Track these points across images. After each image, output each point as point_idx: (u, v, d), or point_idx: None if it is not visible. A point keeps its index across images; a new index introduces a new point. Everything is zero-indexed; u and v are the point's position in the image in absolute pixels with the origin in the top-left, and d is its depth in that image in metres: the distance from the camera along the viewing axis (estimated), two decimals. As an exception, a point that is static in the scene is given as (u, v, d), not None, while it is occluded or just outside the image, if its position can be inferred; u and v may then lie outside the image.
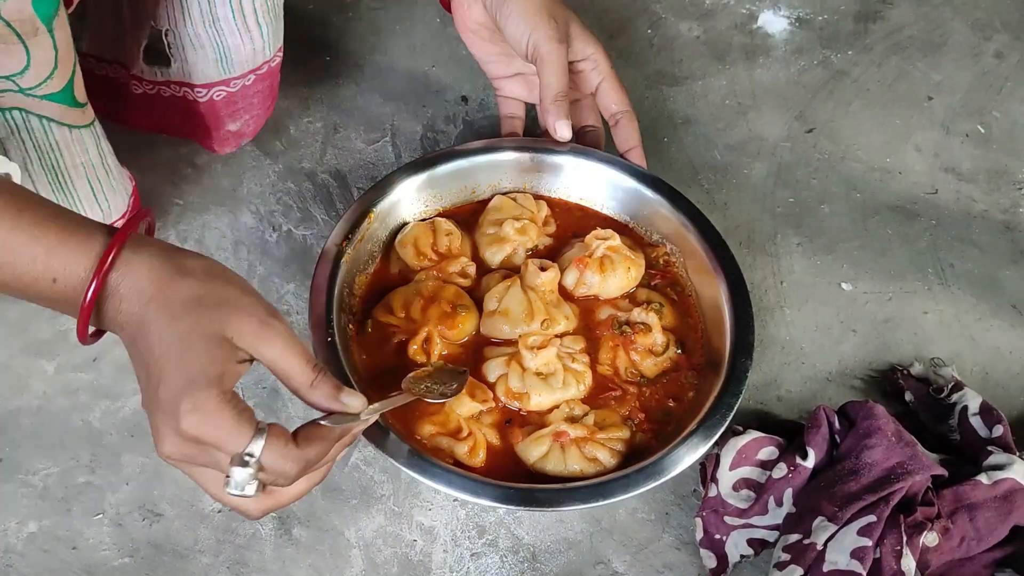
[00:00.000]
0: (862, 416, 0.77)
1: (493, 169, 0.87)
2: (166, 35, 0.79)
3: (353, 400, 0.59)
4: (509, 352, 0.76)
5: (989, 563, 0.74)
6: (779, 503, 0.75)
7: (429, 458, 0.69)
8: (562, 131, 0.84)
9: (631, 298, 0.82)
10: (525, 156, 0.87)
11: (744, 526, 0.76)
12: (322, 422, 0.58)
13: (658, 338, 0.78)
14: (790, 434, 0.80)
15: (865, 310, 0.92)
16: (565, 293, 0.82)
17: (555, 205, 0.88)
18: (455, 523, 0.77)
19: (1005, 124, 1.07)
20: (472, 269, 0.82)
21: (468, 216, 0.86)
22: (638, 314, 0.79)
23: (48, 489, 0.76)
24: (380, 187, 0.83)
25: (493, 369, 0.76)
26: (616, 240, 0.82)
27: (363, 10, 1.10)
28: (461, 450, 0.72)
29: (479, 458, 0.72)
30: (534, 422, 0.75)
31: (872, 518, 0.71)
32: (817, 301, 0.92)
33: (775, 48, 1.12)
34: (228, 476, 0.55)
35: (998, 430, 0.79)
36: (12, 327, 0.83)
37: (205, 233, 0.91)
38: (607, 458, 0.73)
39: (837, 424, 0.78)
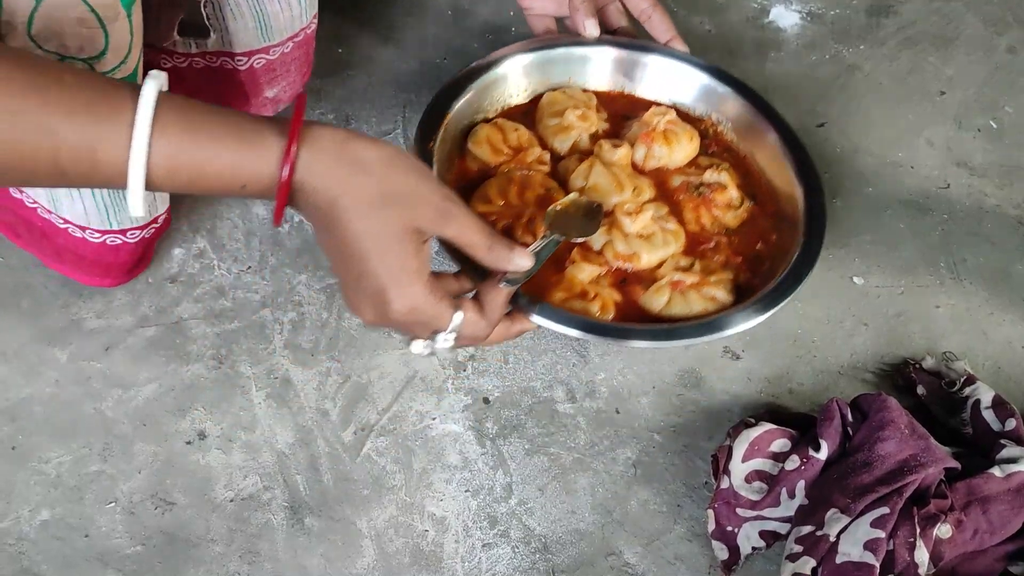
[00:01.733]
0: (875, 409, 0.77)
1: (544, 69, 0.91)
2: (205, 6, 0.79)
3: (524, 260, 0.66)
4: (606, 222, 0.81)
5: (1002, 556, 0.74)
6: (791, 495, 0.75)
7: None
8: (590, 29, 0.89)
9: (695, 165, 0.88)
10: (570, 51, 0.91)
11: (756, 518, 0.76)
12: (500, 285, 0.66)
13: (733, 193, 0.85)
14: (803, 427, 0.79)
15: (877, 304, 0.92)
16: (636, 168, 0.87)
17: (599, 96, 0.93)
18: (466, 513, 0.77)
19: (1017, 119, 1.06)
20: (547, 156, 0.86)
21: (519, 118, 0.89)
22: (711, 175, 0.85)
23: (60, 477, 0.76)
24: (449, 93, 0.85)
25: (595, 239, 0.81)
26: (673, 114, 0.89)
27: (375, 2, 1.10)
28: (593, 309, 0.77)
29: (610, 315, 0.77)
30: (647, 279, 0.81)
31: (885, 510, 0.71)
32: (829, 295, 0.92)
33: (787, 43, 1.12)
34: (430, 342, 0.65)
35: (1011, 424, 0.78)
36: (25, 315, 0.84)
37: (217, 223, 0.91)
38: (724, 295, 0.79)
39: (850, 417, 0.78)
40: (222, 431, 0.79)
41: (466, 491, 0.78)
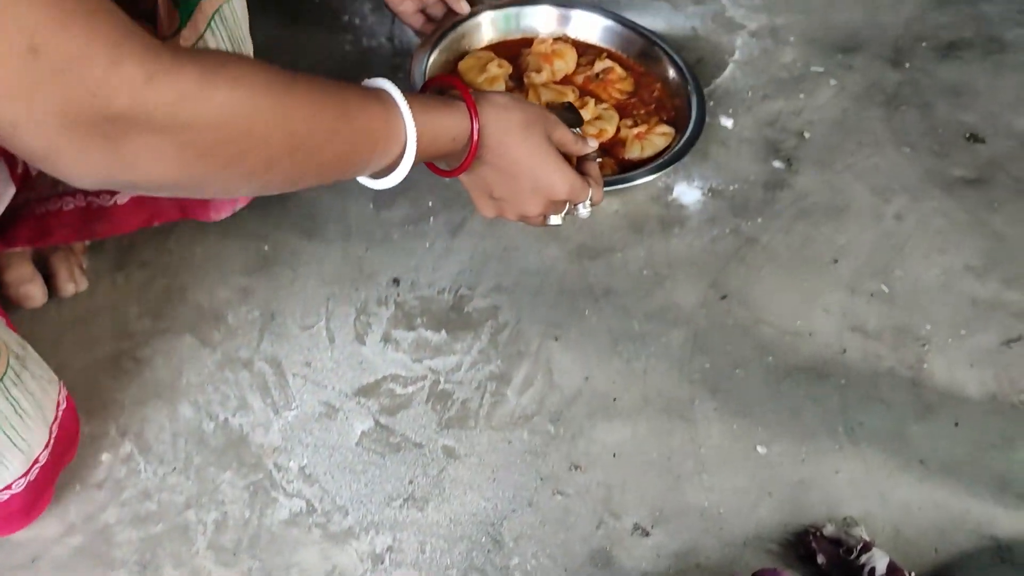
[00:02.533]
0: (770, 585, 0.81)
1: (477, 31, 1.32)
2: None
3: (594, 142, 0.96)
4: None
5: None
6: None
7: None
8: (463, 7, 1.25)
9: (579, 65, 1.28)
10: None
11: None
12: (591, 159, 0.96)
13: (619, 69, 1.27)
14: (705, 605, 0.83)
15: (780, 472, 0.96)
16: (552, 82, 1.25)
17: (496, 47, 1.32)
18: None
19: (907, 282, 1.13)
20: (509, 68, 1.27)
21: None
22: (599, 65, 1.26)
23: None
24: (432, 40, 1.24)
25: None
26: (550, 39, 1.29)
27: (300, 199, 1.17)
28: (607, 172, 1.17)
29: (614, 170, 1.18)
30: (618, 141, 1.21)
31: None
32: (734, 465, 0.96)
33: (689, 219, 1.19)
34: (575, 212, 0.94)
35: (903, 591, 0.82)
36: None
37: (144, 427, 0.95)
38: (666, 128, 1.21)
39: (747, 594, 0.81)
40: (143, 639, 0.81)
41: None
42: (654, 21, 1.43)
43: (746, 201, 1.21)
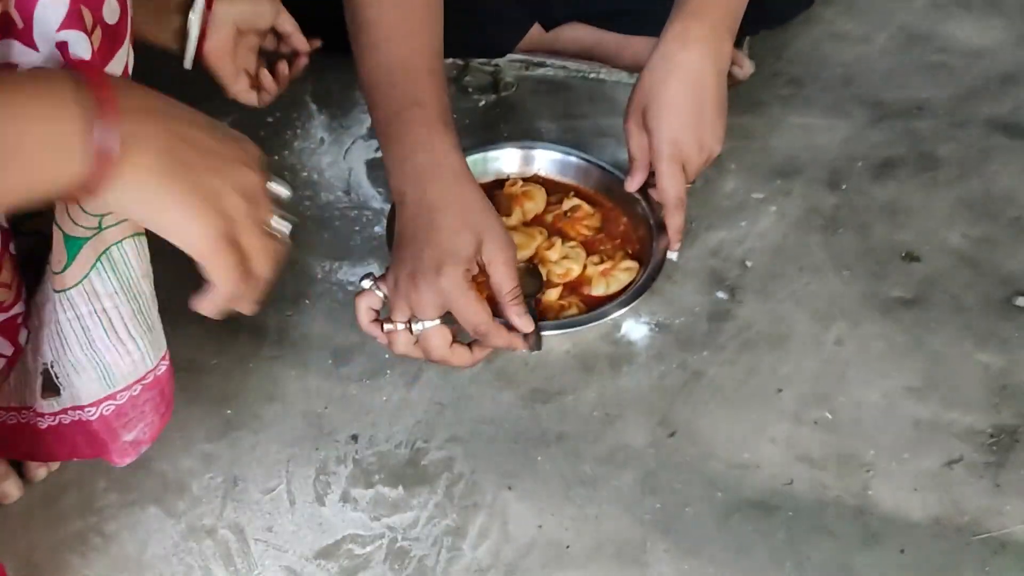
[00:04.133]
0: None
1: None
2: (52, 367, 0.86)
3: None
4: (538, 261, 1.27)
5: None
6: None
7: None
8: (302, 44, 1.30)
9: (549, 203, 1.35)
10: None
11: None
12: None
13: (586, 207, 1.33)
14: None
15: (731, 613, 0.99)
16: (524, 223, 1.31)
17: None
18: None
19: (850, 408, 1.17)
20: None
21: None
22: (567, 203, 1.32)
23: None
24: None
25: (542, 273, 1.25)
26: (520, 180, 1.36)
27: (261, 360, 1.21)
28: (573, 312, 1.23)
29: (581, 309, 1.23)
30: (585, 280, 1.26)
31: None
32: (686, 608, 0.99)
33: (638, 355, 1.23)
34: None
35: None
36: None
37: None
38: (630, 263, 1.27)
39: None
40: None
41: None
42: (599, 157, 1.49)
43: (692, 334, 1.26)
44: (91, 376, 0.86)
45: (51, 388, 0.88)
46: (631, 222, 1.33)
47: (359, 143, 1.51)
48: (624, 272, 1.25)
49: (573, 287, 1.26)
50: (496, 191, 1.36)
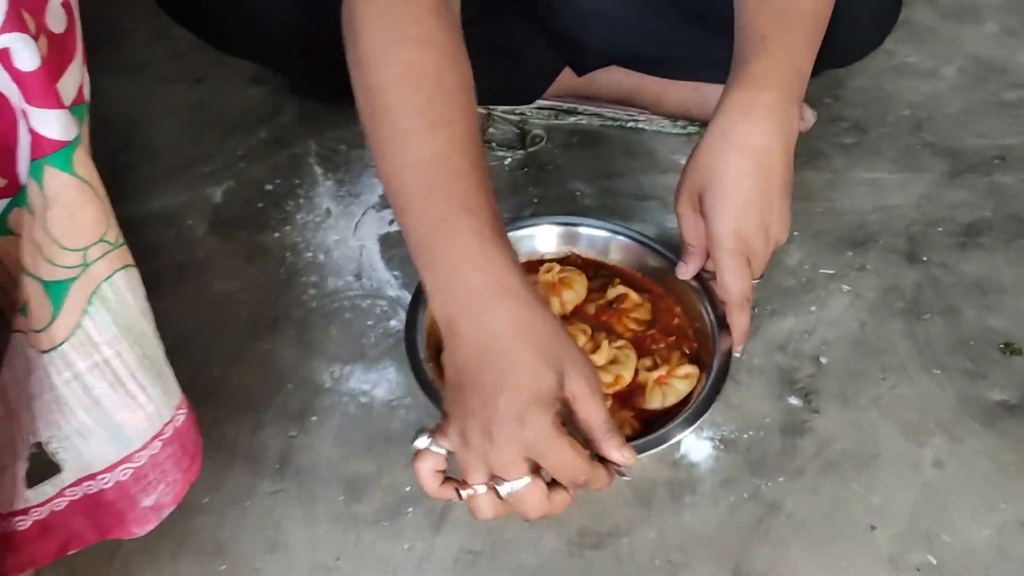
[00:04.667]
0: None
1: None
2: (48, 444, 0.74)
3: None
4: None
5: None
6: None
7: None
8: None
9: (591, 291, 1.16)
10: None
11: None
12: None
13: (634, 296, 1.13)
14: None
15: None
16: (562, 317, 1.13)
17: None
18: None
19: (957, 549, 0.99)
20: None
21: None
22: (612, 291, 1.13)
23: None
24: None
25: None
26: (556, 266, 1.15)
27: (260, 497, 1.03)
28: (625, 432, 1.02)
29: (636, 428, 1.04)
30: (636, 389, 1.07)
31: None
32: None
33: (701, 481, 1.05)
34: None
35: None
36: None
37: None
38: (690, 369, 1.07)
39: None
40: None
41: None
42: (643, 227, 1.31)
43: (764, 453, 1.08)
44: (101, 439, 0.75)
45: (41, 472, 0.76)
46: (686, 312, 1.14)
47: (371, 214, 1.33)
48: (683, 380, 1.07)
49: (624, 398, 1.08)
50: (530, 276, 1.17)
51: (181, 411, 0.80)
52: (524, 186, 1.38)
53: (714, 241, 1.02)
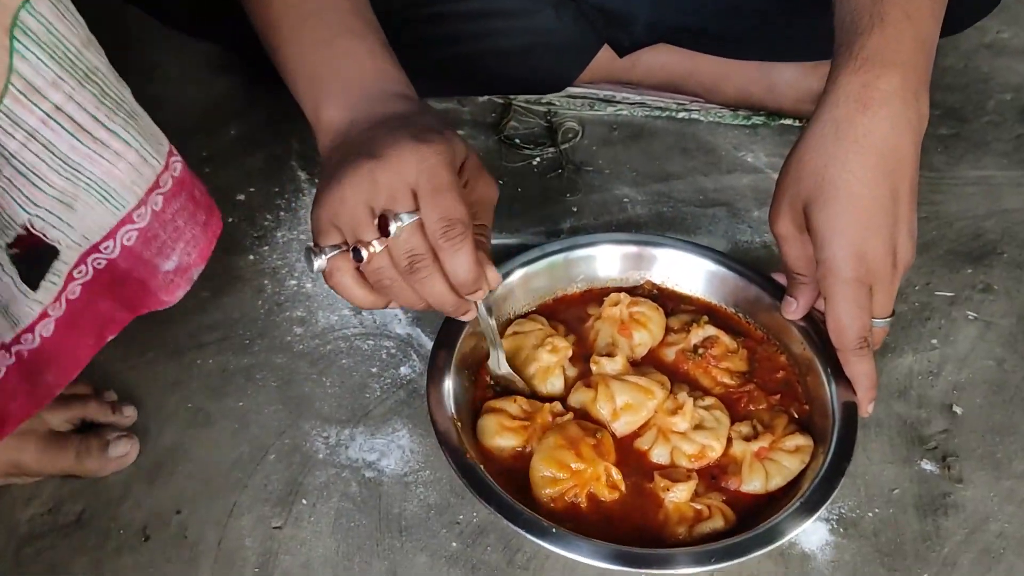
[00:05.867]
0: None
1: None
2: (33, 225, 0.65)
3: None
4: (653, 431, 0.83)
5: None
6: None
7: None
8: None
9: (671, 331, 0.90)
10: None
11: None
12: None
13: (726, 339, 0.88)
14: None
15: None
16: (632, 364, 0.88)
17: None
18: None
19: None
20: (558, 406, 0.84)
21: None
22: (697, 333, 0.88)
23: None
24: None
25: (658, 454, 0.82)
26: (626, 298, 0.90)
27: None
28: (718, 525, 0.77)
29: (732, 520, 0.78)
30: (730, 463, 0.82)
31: None
32: None
33: (818, 574, 0.80)
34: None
35: None
36: None
37: None
38: (801, 440, 0.81)
39: None
40: None
41: None
42: (711, 240, 1.05)
43: (898, 540, 0.82)
44: (88, 203, 0.67)
45: (37, 266, 0.68)
46: (794, 363, 0.89)
47: (370, 230, 1.06)
48: (792, 455, 0.81)
49: (711, 474, 0.82)
50: (591, 307, 0.93)
51: (176, 160, 0.72)
52: (559, 192, 1.12)
53: (828, 268, 0.77)
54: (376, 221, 0.71)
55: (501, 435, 0.82)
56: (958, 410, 0.91)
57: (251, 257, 1.03)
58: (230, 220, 1.06)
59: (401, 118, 0.76)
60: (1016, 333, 0.98)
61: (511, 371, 0.86)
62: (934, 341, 0.97)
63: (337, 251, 0.73)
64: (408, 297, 0.75)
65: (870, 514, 0.84)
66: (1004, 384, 0.93)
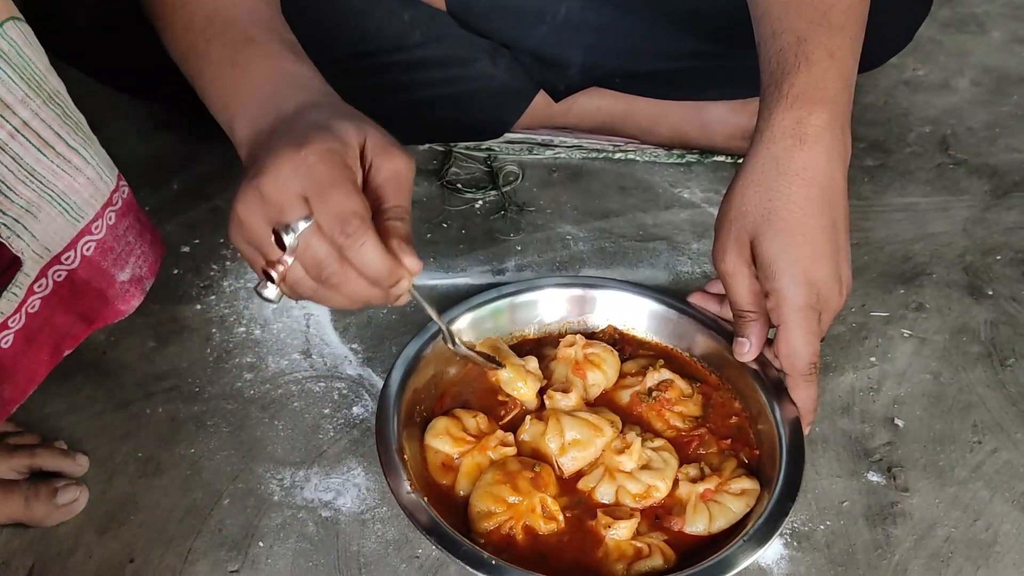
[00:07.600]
0: None
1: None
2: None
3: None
4: (600, 469, 0.83)
5: None
6: None
7: None
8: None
9: (626, 375, 0.92)
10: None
11: None
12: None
13: (682, 384, 0.89)
14: None
15: None
16: (587, 404, 0.89)
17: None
18: None
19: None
20: (510, 436, 0.85)
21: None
22: (653, 376, 0.89)
23: None
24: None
25: (603, 493, 0.82)
26: (581, 339, 0.91)
27: None
28: (656, 563, 0.77)
29: (672, 561, 0.78)
30: (674, 504, 0.82)
31: None
32: None
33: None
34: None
35: None
36: None
37: None
38: (748, 483, 0.82)
39: None
40: None
41: None
42: (653, 272, 1.08)
43: (850, 550, 0.84)
44: (51, 214, 0.70)
45: (1, 277, 0.71)
46: (747, 409, 0.89)
47: (316, 275, 1.06)
48: (737, 498, 0.81)
49: (655, 514, 0.82)
50: (547, 349, 0.94)
51: (123, 184, 0.76)
52: (503, 232, 1.14)
53: (782, 296, 0.80)
54: (273, 238, 0.68)
55: (442, 438, 0.83)
56: (900, 423, 0.94)
57: (198, 307, 1.03)
58: (175, 272, 1.06)
59: (291, 121, 0.72)
60: (949, 347, 1.01)
61: (467, 349, 0.85)
62: (872, 359, 1.00)
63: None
64: (337, 300, 0.71)
65: (822, 527, 0.85)
66: (941, 396, 0.96)
